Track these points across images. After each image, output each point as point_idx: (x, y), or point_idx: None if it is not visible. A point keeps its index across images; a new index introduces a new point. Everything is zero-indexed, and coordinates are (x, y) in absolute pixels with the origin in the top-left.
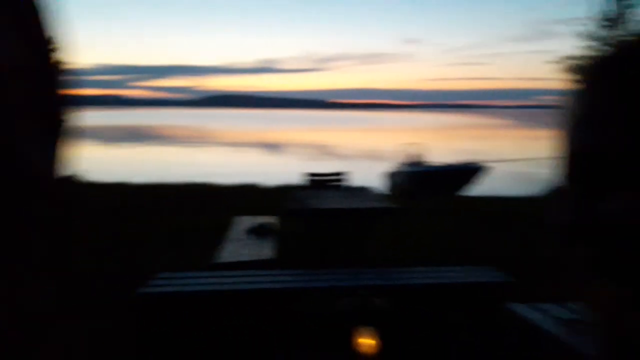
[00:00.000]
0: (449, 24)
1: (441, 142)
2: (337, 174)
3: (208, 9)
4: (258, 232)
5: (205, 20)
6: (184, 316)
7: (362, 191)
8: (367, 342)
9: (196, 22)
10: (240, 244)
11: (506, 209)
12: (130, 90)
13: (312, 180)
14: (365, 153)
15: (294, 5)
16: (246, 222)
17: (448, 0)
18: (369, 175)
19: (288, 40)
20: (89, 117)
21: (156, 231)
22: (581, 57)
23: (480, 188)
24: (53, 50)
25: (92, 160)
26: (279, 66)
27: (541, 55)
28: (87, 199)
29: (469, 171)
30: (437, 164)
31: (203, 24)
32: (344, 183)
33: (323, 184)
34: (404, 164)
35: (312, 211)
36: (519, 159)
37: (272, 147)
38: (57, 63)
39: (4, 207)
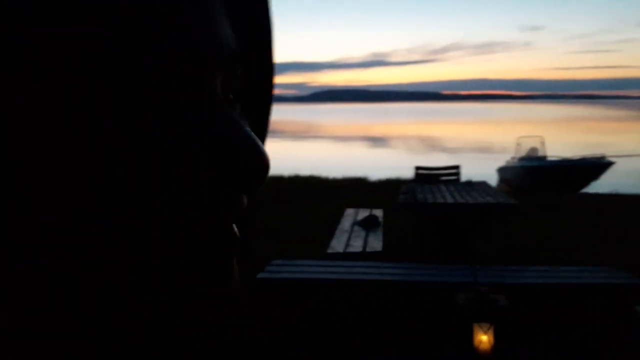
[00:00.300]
0: (573, 9)
1: (561, 135)
2: (450, 167)
3: (321, 5)
4: (367, 224)
5: (318, 17)
6: (295, 301)
7: (477, 186)
8: (484, 338)
9: (311, 19)
10: (350, 236)
11: (631, 207)
12: None
13: (421, 174)
14: (479, 146)
15: None
16: (356, 214)
17: None
18: (482, 169)
19: (399, 33)
20: None
21: (272, 220)
22: None
23: (603, 185)
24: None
25: None
26: (390, 59)
27: None
28: None
29: (590, 167)
30: (556, 159)
31: (317, 20)
32: (455, 177)
33: (433, 178)
34: (519, 159)
35: (422, 205)
36: None
37: (382, 140)
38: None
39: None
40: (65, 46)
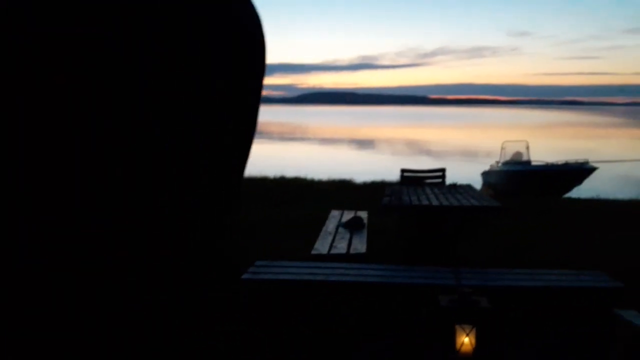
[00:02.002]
0: (561, 15)
1: (546, 140)
2: (436, 170)
3: (310, 7)
4: (351, 226)
5: (308, 19)
6: (278, 302)
7: (462, 189)
8: (466, 340)
9: (300, 21)
10: (335, 237)
11: (613, 212)
12: None
13: (407, 177)
14: (464, 150)
15: (393, 1)
16: (341, 216)
17: None
18: (467, 173)
19: (388, 36)
20: None
21: (256, 221)
22: None
23: (585, 190)
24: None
25: None
26: (379, 62)
27: None
28: None
29: (573, 172)
30: (540, 164)
31: (306, 22)
32: (440, 180)
33: (419, 181)
34: (503, 163)
35: (406, 207)
36: (629, 160)
37: (368, 143)
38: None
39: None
40: (65, 46)
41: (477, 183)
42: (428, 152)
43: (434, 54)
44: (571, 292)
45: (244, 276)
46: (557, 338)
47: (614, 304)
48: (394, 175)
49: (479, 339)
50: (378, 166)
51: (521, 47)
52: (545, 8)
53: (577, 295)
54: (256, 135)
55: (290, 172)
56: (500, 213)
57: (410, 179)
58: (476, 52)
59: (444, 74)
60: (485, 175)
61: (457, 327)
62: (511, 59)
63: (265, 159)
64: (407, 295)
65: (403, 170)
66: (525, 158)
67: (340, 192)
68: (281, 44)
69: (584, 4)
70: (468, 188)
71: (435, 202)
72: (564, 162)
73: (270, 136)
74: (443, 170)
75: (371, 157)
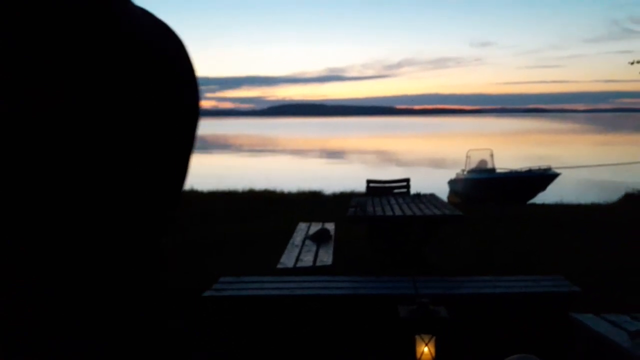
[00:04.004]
0: (522, 25)
1: (510, 147)
2: (401, 180)
3: (279, 21)
4: (318, 238)
5: (276, 32)
6: (242, 319)
7: (425, 198)
8: (426, 350)
9: (268, 34)
10: (301, 250)
11: (576, 217)
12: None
13: (372, 187)
14: (432, 159)
15: (359, 14)
16: (308, 228)
17: (523, 1)
18: (434, 182)
19: (354, 49)
20: None
21: (223, 236)
22: None
23: (549, 196)
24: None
25: None
26: (346, 74)
27: (623, 56)
28: None
29: (537, 178)
30: (504, 171)
31: (273, 34)
32: (405, 190)
33: (384, 191)
34: (469, 171)
35: (371, 218)
36: (591, 165)
37: (338, 154)
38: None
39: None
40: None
41: (445, 191)
42: (397, 162)
43: (399, 65)
44: (530, 297)
45: (206, 293)
46: (514, 344)
47: (571, 308)
48: (363, 186)
49: (438, 348)
50: (348, 177)
51: (484, 57)
52: (506, 18)
53: (537, 300)
54: (225, 149)
55: (260, 185)
56: (462, 221)
57: (376, 189)
58: (441, 63)
59: (410, 84)
60: (452, 183)
61: (417, 337)
62: (475, 68)
63: (235, 172)
64: (369, 306)
65: (369, 181)
66: (489, 166)
67: (310, 203)
68: (248, 56)
69: (543, 15)
70: (431, 197)
71: (398, 212)
72: (527, 169)
73: (240, 149)
74: (407, 180)
75: (341, 168)
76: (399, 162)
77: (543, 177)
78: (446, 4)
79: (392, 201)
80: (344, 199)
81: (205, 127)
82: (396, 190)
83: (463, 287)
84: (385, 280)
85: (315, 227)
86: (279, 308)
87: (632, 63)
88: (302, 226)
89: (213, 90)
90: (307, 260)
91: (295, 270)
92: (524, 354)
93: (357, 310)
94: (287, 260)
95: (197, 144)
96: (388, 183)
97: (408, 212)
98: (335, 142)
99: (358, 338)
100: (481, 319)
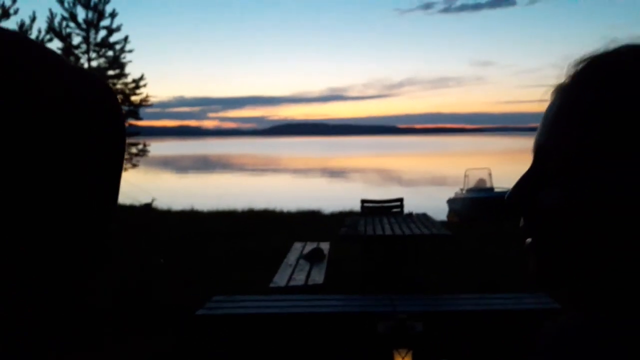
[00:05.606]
0: (521, 44)
1: (509, 166)
2: (394, 200)
3: (281, 42)
4: (312, 257)
5: (277, 51)
6: (234, 337)
7: (417, 218)
8: None
9: (269, 53)
10: (295, 270)
11: None
12: (208, 122)
13: (367, 207)
14: (432, 178)
15: (360, 34)
16: (303, 248)
17: (522, 21)
18: (434, 201)
19: (356, 68)
20: (166, 148)
21: (220, 256)
22: None
23: None
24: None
25: (166, 188)
26: (348, 94)
27: None
28: (158, 225)
29: None
30: (502, 190)
31: (275, 54)
32: (399, 210)
33: (378, 211)
34: (467, 190)
35: (361, 237)
36: None
37: (338, 173)
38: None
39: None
40: None
41: (444, 210)
42: (397, 181)
43: (401, 84)
44: (510, 314)
45: (198, 312)
46: (492, 357)
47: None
48: (357, 205)
49: None
50: (347, 196)
51: (485, 76)
52: (506, 38)
53: (516, 317)
54: (227, 169)
55: (260, 205)
56: (450, 240)
57: (370, 209)
58: (441, 82)
59: (412, 104)
60: (451, 202)
61: (394, 351)
62: (475, 88)
63: (235, 191)
64: (352, 324)
65: (363, 201)
66: (488, 185)
67: (308, 223)
68: (251, 77)
69: (542, 34)
70: (423, 217)
71: (388, 232)
72: None
73: (242, 168)
74: (401, 199)
75: (341, 187)
76: (400, 181)
77: None
78: (446, 23)
79: (384, 221)
80: (342, 218)
81: (208, 147)
82: (393, 210)
83: (444, 304)
84: (369, 299)
85: (310, 247)
86: (269, 326)
87: None
88: (297, 245)
89: (216, 111)
90: (299, 279)
91: (287, 289)
92: None
93: (342, 328)
94: (280, 279)
95: (199, 164)
96: (382, 203)
97: (398, 232)
98: (337, 161)
99: (341, 355)
100: (460, 335)
